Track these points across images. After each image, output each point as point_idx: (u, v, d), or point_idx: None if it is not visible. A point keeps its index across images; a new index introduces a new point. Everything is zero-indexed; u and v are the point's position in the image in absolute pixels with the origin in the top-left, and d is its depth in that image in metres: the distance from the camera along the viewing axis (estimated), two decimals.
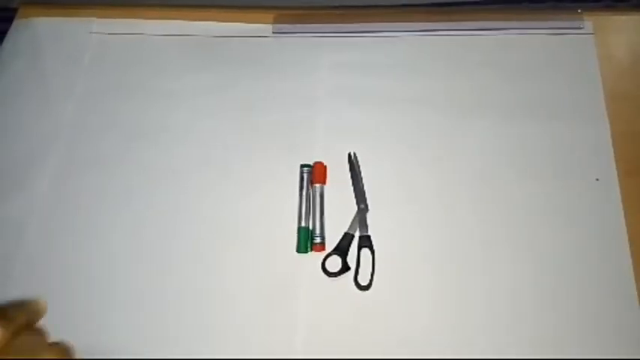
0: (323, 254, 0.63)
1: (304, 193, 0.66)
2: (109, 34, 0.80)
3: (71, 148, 0.72)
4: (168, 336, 0.61)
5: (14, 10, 0.83)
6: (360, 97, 0.72)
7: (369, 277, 0.61)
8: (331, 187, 0.67)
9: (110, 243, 0.66)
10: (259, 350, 0.59)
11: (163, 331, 0.61)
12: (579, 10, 0.75)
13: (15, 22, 0.82)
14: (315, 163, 0.68)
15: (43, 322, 0.61)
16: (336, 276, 0.61)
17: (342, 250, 0.63)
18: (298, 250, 0.63)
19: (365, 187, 0.66)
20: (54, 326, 0.61)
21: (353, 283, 0.61)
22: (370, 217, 0.64)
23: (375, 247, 0.62)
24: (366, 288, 0.61)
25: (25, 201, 0.69)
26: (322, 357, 0.58)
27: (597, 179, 0.64)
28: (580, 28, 0.74)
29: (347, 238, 0.63)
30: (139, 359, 0.59)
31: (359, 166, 0.67)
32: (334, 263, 0.62)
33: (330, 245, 0.63)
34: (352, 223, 0.64)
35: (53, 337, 0.60)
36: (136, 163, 0.70)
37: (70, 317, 0.62)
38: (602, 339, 0.57)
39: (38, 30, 0.82)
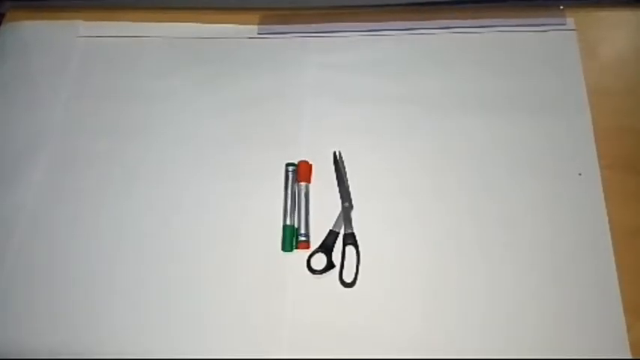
0: (308, 252, 0.63)
1: (289, 191, 0.66)
2: (95, 37, 0.80)
3: (59, 149, 0.72)
4: (154, 333, 0.61)
5: (2, 15, 0.84)
6: (345, 96, 0.73)
7: (354, 274, 0.61)
8: (316, 186, 0.67)
9: (97, 242, 0.66)
10: (245, 347, 0.59)
11: (149, 328, 0.61)
12: (561, 7, 0.75)
13: (2, 26, 0.83)
14: (300, 161, 0.68)
15: (32, 319, 0.62)
16: (320, 273, 0.62)
17: (326, 247, 0.63)
18: (283, 249, 0.63)
19: (350, 186, 0.66)
20: (44, 323, 0.62)
21: (338, 281, 0.61)
22: (355, 215, 0.65)
23: (359, 245, 0.63)
24: (351, 285, 0.61)
25: (14, 200, 0.69)
26: (308, 353, 0.58)
27: (580, 174, 0.65)
28: (562, 25, 0.74)
29: (332, 236, 0.64)
30: (132, 359, 0.59)
31: (344, 165, 0.68)
32: (319, 261, 0.63)
33: (315, 243, 0.64)
34: (337, 220, 0.64)
35: (42, 333, 0.61)
36: (123, 163, 0.71)
37: (58, 313, 0.63)
38: (584, 333, 0.57)
39: (26, 34, 0.82)
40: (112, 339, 0.61)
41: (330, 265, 0.62)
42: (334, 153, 0.68)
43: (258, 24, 0.79)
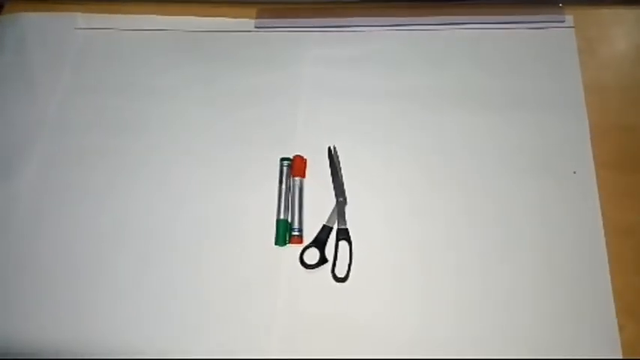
0: (301, 247, 0.63)
1: (283, 186, 0.66)
2: (93, 29, 0.81)
3: (56, 141, 0.73)
4: (149, 329, 0.61)
5: (0, 7, 0.84)
6: (341, 91, 0.73)
7: (346, 269, 0.61)
8: (310, 181, 0.67)
9: (93, 235, 0.66)
10: (237, 342, 0.60)
11: (143, 323, 0.61)
12: (560, 5, 0.75)
13: (1, 18, 0.83)
14: (295, 156, 0.68)
15: (28, 318, 0.62)
16: (313, 268, 0.62)
17: (320, 242, 0.63)
18: (277, 243, 0.63)
19: (344, 181, 0.66)
20: (38, 321, 0.62)
21: (330, 275, 0.61)
22: (349, 210, 0.65)
23: (353, 240, 0.63)
24: (343, 280, 0.61)
25: (9, 193, 0.69)
26: (299, 347, 0.59)
27: (575, 172, 0.65)
28: (561, 22, 0.74)
29: (325, 231, 0.64)
30: (124, 359, 0.59)
31: (338, 160, 0.68)
32: (312, 255, 0.63)
33: (309, 238, 0.64)
34: (330, 215, 0.64)
35: (40, 332, 0.61)
36: (118, 157, 0.71)
37: (53, 310, 0.63)
38: (576, 332, 0.57)
39: (24, 25, 0.82)
40: (102, 332, 0.61)
41: (322, 260, 0.62)
42: (329, 148, 0.68)
43: (255, 18, 0.79)
